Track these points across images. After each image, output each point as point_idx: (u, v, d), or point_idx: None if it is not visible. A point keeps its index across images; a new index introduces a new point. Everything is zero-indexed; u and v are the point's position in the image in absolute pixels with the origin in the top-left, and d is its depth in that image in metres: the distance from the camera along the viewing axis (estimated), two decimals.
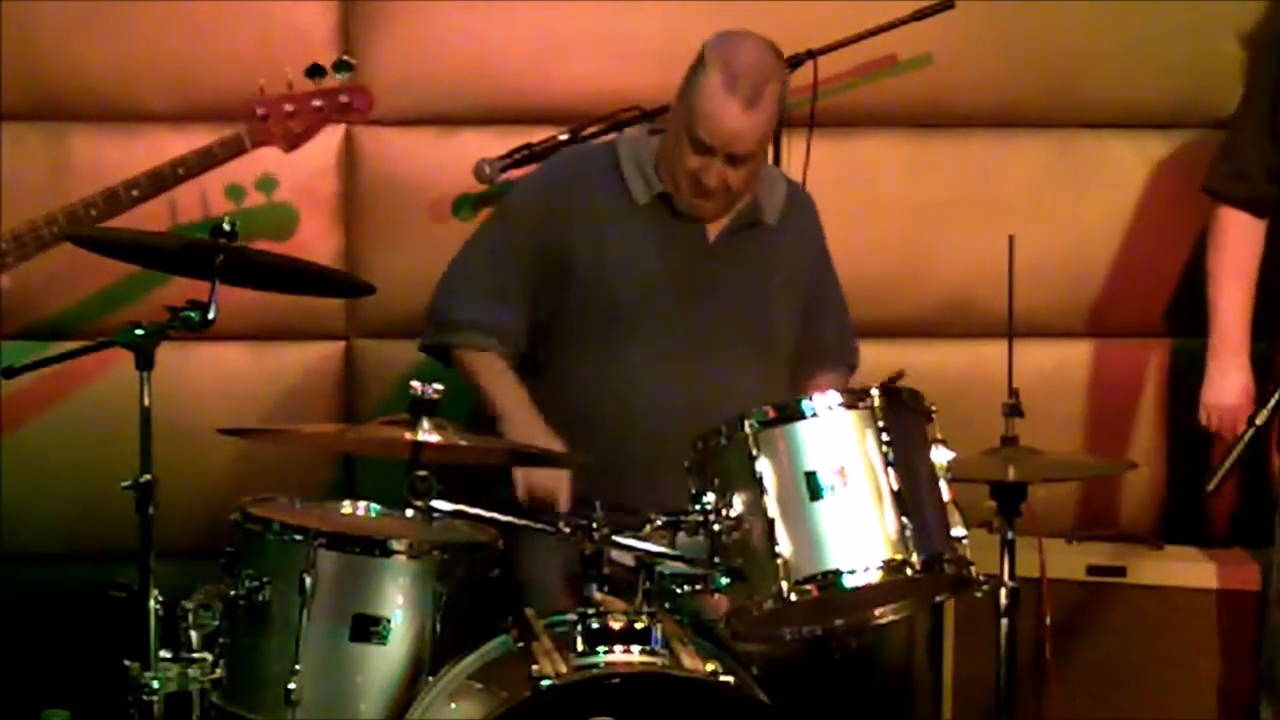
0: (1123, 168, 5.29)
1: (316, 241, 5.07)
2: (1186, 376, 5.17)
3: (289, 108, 4.70)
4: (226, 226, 4.01)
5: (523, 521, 3.99)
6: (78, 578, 4.91)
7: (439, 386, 3.96)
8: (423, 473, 3.84)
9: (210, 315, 3.99)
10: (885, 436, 3.86)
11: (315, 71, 4.68)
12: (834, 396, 3.89)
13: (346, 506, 4.43)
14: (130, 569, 4.01)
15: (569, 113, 5.06)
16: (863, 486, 3.84)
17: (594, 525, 3.85)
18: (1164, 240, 5.27)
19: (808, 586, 3.80)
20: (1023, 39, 5.21)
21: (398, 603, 4.09)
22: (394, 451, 4.06)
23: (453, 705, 3.93)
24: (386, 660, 4.07)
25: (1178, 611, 4.89)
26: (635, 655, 3.80)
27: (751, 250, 4.58)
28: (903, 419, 3.91)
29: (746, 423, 3.86)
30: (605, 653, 3.80)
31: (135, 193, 4.60)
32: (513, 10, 5.11)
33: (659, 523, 3.89)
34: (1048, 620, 4.79)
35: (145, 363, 4.02)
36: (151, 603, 4.00)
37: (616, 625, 3.82)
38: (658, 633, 3.83)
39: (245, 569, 4.12)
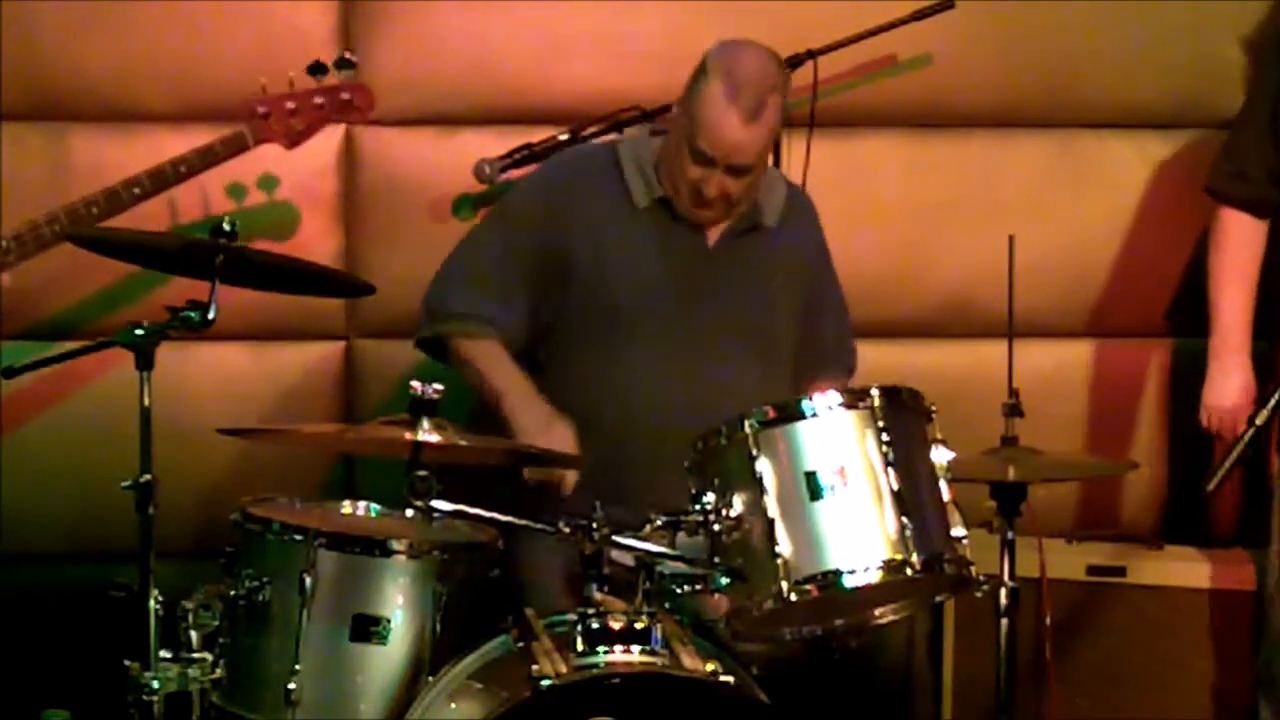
0: (1123, 168, 5.28)
1: (316, 241, 5.07)
2: (1187, 376, 5.17)
3: (290, 105, 4.70)
4: (226, 226, 4.01)
5: (523, 521, 3.99)
6: (78, 578, 4.91)
7: (439, 386, 3.96)
8: (423, 473, 3.84)
9: (210, 315, 3.99)
10: (885, 436, 3.86)
11: (317, 69, 4.68)
12: (834, 396, 3.89)
13: (346, 506, 4.43)
14: (130, 569, 4.02)
15: (569, 113, 5.06)
16: (863, 486, 3.84)
17: (594, 525, 3.85)
18: (1164, 240, 5.27)
19: (808, 586, 3.80)
20: (1023, 39, 5.21)
21: (398, 603, 4.09)
22: (394, 451, 4.06)
23: (453, 705, 3.93)
24: (386, 660, 4.07)
25: (1178, 611, 4.89)
26: (635, 655, 3.80)
27: (751, 253, 4.58)
28: (903, 419, 3.91)
29: (746, 423, 3.86)
30: (605, 653, 3.80)
31: (137, 191, 4.60)
32: (513, 10, 5.11)
33: (659, 523, 3.89)
34: (1048, 620, 4.80)
35: (145, 363, 4.02)
36: (151, 603, 4.00)
37: (616, 625, 3.82)
38: (658, 633, 3.83)
39: (245, 569, 4.12)
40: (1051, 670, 4.80)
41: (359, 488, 4.91)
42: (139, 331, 4.01)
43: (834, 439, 3.86)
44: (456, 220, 5.10)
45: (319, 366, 5.18)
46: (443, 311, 4.57)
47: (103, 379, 4.95)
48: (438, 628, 4.10)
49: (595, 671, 3.77)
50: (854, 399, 3.89)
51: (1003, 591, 4.34)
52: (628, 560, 3.92)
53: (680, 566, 3.87)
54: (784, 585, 3.79)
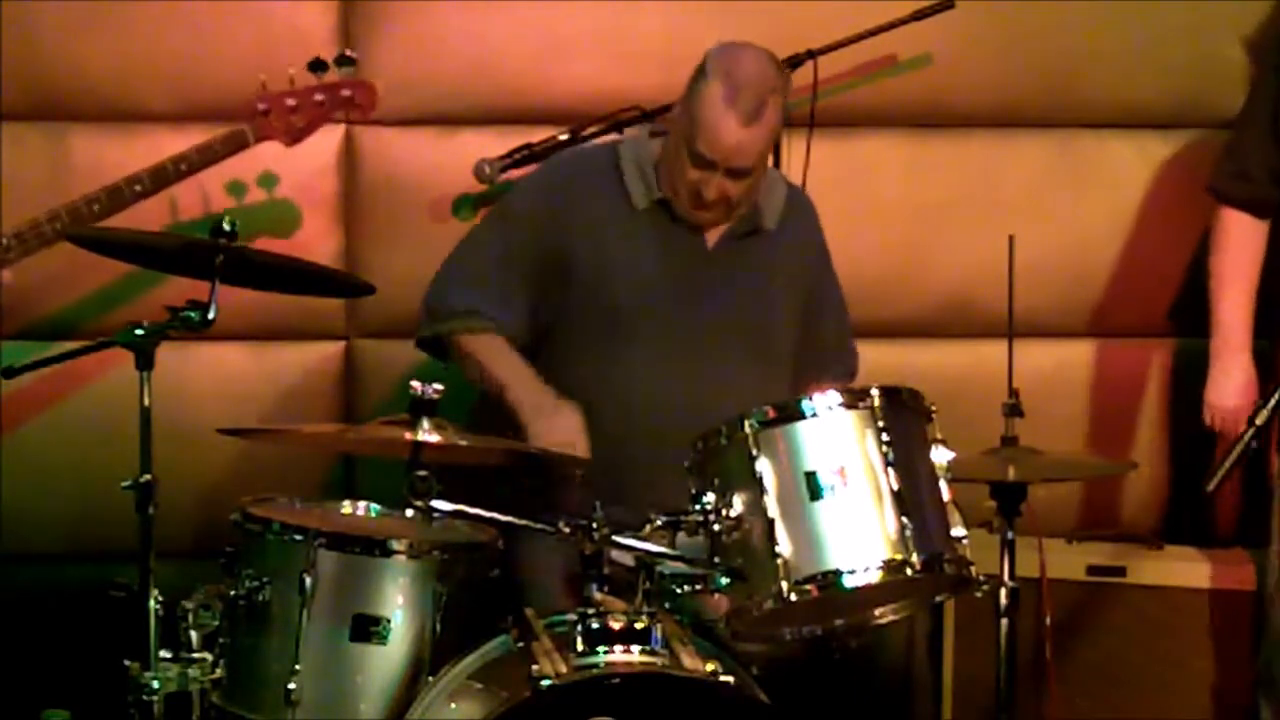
0: (1123, 168, 5.28)
1: (317, 241, 5.07)
2: (1188, 376, 5.17)
3: (291, 102, 4.69)
4: (226, 226, 4.01)
5: (523, 521, 3.99)
6: (78, 578, 4.91)
7: (439, 386, 3.96)
8: (423, 473, 3.84)
9: (210, 315, 3.99)
10: (885, 436, 3.86)
11: (317, 66, 4.68)
12: (834, 396, 3.89)
13: (346, 506, 4.43)
14: (130, 569, 4.02)
15: (569, 113, 5.06)
16: (863, 486, 3.84)
17: (594, 525, 3.85)
18: (1165, 240, 5.27)
19: (808, 586, 3.80)
20: (1023, 39, 5.21)
21: (398, 603, 4.09)
22: (394, 451, 4.06)
23: (453, 705, 3.93)
24: (386, 660, 4.07)
25: (1177, 611, 4.89)
26: (635, 655, 3.80)
27: (751, 256, 4.57)
28: (903, 419, 3.91)
29: (746, 423, 3.86)
30: (605, 653, 3.80)
31: (138, 188, 4.60)
32: (513, 10, 5.11)
33: (659, 523, 3.89)
34: (1048, 620, 4.80)
35: (145, 363, 4.02)
36: (151, 603, 4.00)
37: (616, 625, 3.82)
38: (658, 633, 3.83)
39: (245, 569, 4.12)
40: (1051, 670, 4.80)
41: (359, 488, 4.91)
42: (139, 331, 4.01)
43: (834, 439, 3.86)
44: (456, 220, 5.10)
45: (319, 366, 5.18)
46: (442, 310, 4.57)
47: (103, 379, 4.94)
48: (438, 628, 4.10)
49: (595, 671, 3.77)
50: (854, 399, 3.89)
51: (1003, 591, 4.34)
52: (628, 560, 3.92)
53: (680, 566, 3.88)
54: (784, 585, 3.79)
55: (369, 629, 4.07)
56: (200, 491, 4.97)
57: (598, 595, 3.87)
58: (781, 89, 4.46)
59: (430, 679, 4.01)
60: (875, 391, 3.89)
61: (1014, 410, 4.38)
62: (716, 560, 3.85)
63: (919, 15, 5.04)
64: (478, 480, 4.18)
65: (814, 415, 3.88)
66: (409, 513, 4.19)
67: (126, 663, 4.03)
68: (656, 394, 4.46)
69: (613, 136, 4.91)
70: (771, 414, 3.87)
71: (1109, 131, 5.29)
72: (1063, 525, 5.12)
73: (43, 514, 5.05)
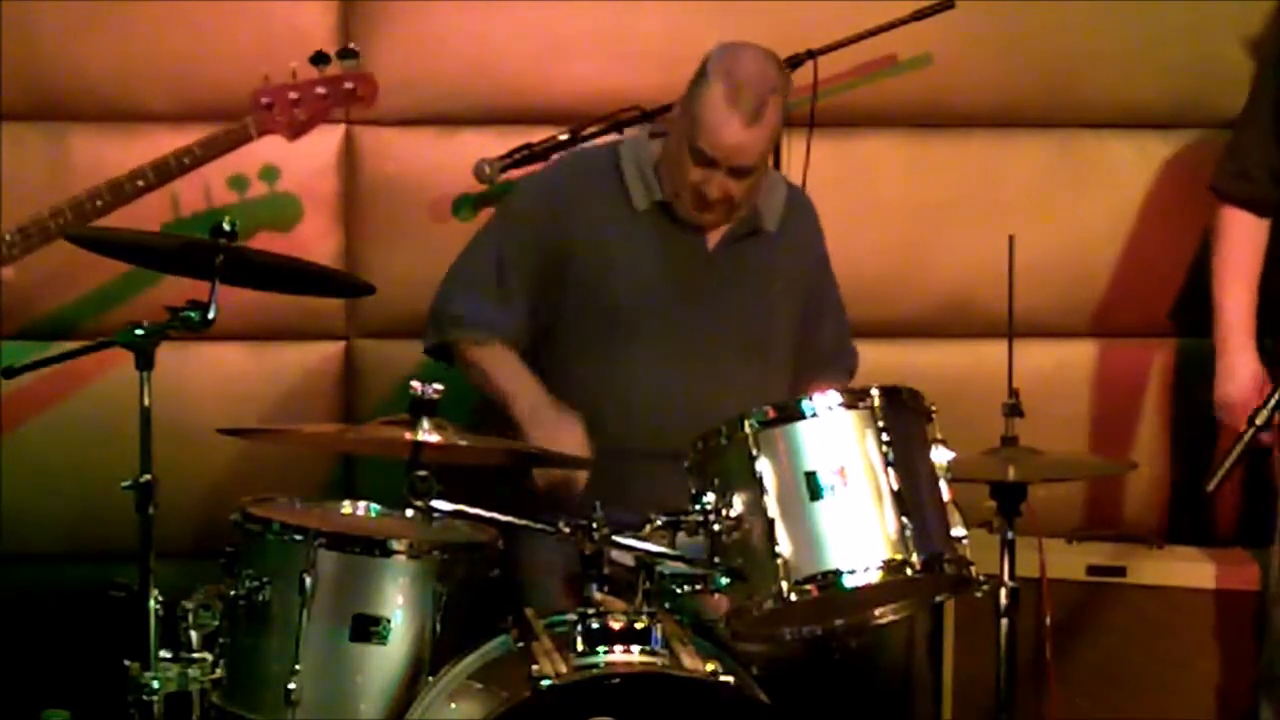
0: (1123, 168, 5.28)
1: (316, 241, 5.07)
2: (1190, 376, 5.18)
3: (293, 95, 4.69)
4: (226, 226, 4.01)
5: (523, 521, 3.99)
6: (78, 578, 4.91)
7: (439, 386, 3.96)
8: (423, 473, 3.84)
9: (210, 315, 3.99)
10: (885, 436, 3.86)
11: (320, 59, 4.68)
12: (834, 396, 3.90)
13: (346, 506, 4.43)
14: (130, 569, 4.02)
15: (569, 113, 5.06)
16: (863, 486, 3.84)
17: (594, 525, 3.85)
18: (1165, 240, 5.27)
19: (808, 586, 3.80)
20: (1023, 39, 5.20)
21: (398, 603, 4.09)
22: (394, 451, 4.06)
23: (453, 705, 3.93)
24: (386, 660, 4.07)
25: (1178, 611, 4.89)
26: (635, 655, 3.80)
27: (751, 257, 4.58)
28: (903, 419, 3.91)
29: (746, 423, 3.86)
30: (605, 653, 3.80)
31: (140, 183, 4.59)
32: (513, 10, 5.11)
33: (659, 523, 3.89)
34: (1048, 620, 4.79)
35: (145, 363, 4.02)
36: (151, 603, 4.00)
37: (616, 625, 3.82)
38: (658, 633, 3.83)
39: (245, 569, 4.12)
40: (1051, 670, 4.80)
41: (359, 488, 4.90)
42: (139, 331, 4.01)
43: (834, 439, 3.86)
44: (456, 220, 5.10)
45: (319, 366, 5.17)
46: (447, 317, 4.57)
47: (103, 379, 4.94)
48: (438, 628, 4.10)
49: (595, 671, 3.77)
50: (854, 399, 3.89)
51: (1003, 591, 4.34)
52: (628, 560, 3.92)
53: (680, 566, 3.88)
54: (784, 585, 3.79)
55: (369, 629, 4.07)
56: (200, 491, 4.97)
57: (598, 595, 3.87)
58: (782, 89, 4.46)
59: (430, 679, 4.01)
60: (875, 391, 3.89)
61: (1014, 410, 4.38)
62: (716, 560, 3.85)
63: (919, 15, 5.04)
64: (478, 480, 4.18)
65: (814, 415, 3.88)
66: (409, 513, 4.19)
67: (126, 663, 4.03)
68: (656, 394, 4.46)
69: (613, 137, 4.91)
70: (771, 414, 3.87)
71: (1109, 131, 5.29)
72: (1066, 526, 5.12)
73: (43, 514, 5.05)
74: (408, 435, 3.93)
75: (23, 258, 4.58)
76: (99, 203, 4.56)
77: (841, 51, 5.03)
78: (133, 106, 5.04)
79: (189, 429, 4.83)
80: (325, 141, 5.00)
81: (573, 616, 3.86)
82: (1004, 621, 4.37)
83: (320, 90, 4.72)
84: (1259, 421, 4.04)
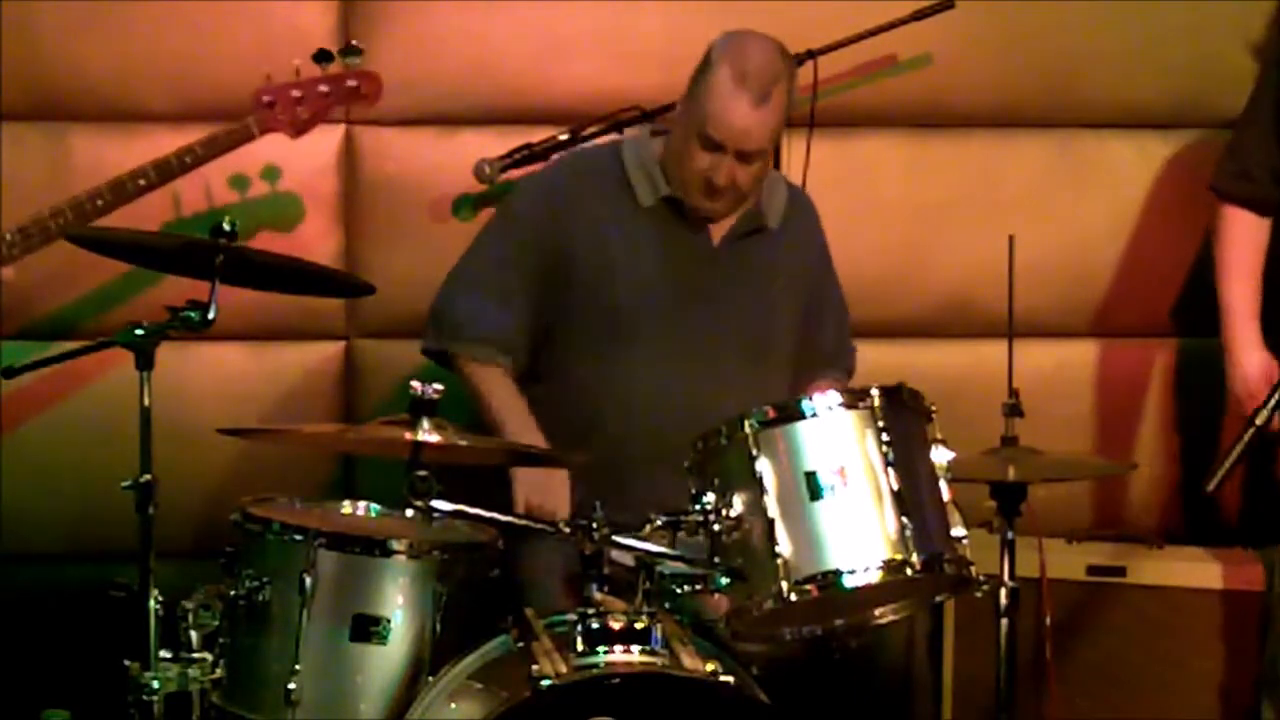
0: (1123, 168, 5.29)
1: (317, 241, 5.07)
2: (1192, 376, 5.18)
3: (296, 94, 4.69)
4: (226, 226, 4.01)
5: (523, 521, 3.99)
6: (78, 578, 4.91)
7: (439, 386, 3.95)
8: (423, 473, 3.84)
9: (210, 315, 3.99)
10: (885, 436, 3.86)
11: (322, 57, 4.67)
12: (834, 396, 3.89)
13: (346, 506, 4.43)
14: (130, 569, 4.01)
15: (569, 113, 5.06)
16: (863, 486, 3.84)
17: (594, 525, 3.85)
18: (1165, 240, 5.27)
19: (808, 586, 3.80)
20: (1023, 39, 5.21)
21: (398, 603, 4.09)
22: (394, 451, 4.05)
23: (453, 705, 3.93)
24: (386, 660, 4.07)
25: (1178, 611, 4.89)
26: (635, 655, 3.80)
27: (754, 255, 4.57)
28: (903, 419, 3.91)
29: (746, 422, 3.86)
30: (605, 653, 3.80)
31: (142, 182, 4.59)
32: (513, 10, 5.11)
33: (659, 523, 3.89)
34: (1048, 620, 4.79)
35: (145, 363, 4.02)
36: (151, 603, 4.00)
37: (616, 625, 3.82)
38: (658, 633, 3.83)
39: (245, 569, 4.12)
40: (1051, 670, 4.80)
41: (359, 488, 4.91)
42: (139, 331, 4.01)
43: (834, 439, 3.86)
44: (456, 220, 5.10)
45: (319, 366, 5.17)
46: (450, 325, 4.56)
47: (103, 379, 4.94)
48: (438, 628, 4.10)
49: (595, 671, 3.77)
50: (854, 399, 3.89)
51: (1003, 591, 4.34)
52: (628, 560, 3.92)
53: (680, 566, 3.87)
54: (784, 585, 3.79)
55: (369, 629, 4.07)
56: (200, 491, 4.97)
57: (598, 595, 3.87)
58: (788, 76, 4.46)
59: (430, 679, 4.01)
60: (875, 391, 3.89)
61: (1014, 410, 4.38)
62: (716, 560, 3.85)
63: (919, 15, 5.04)
64: (478, 480, 4.18)
65: (814, 415, 3.87)
66: (409, 513, 4.19)
67: (126, 663, 4.03)
68: (657, 394, 4.46)
69: (613, 136, 4.91)
70: (771, 414, 3.87)
71: (1109, 131, 5.29)
72: (1072, 526, 5.11)
73: (43, 514, 5.05)
74: (408, 435, 3.93)
75: (23, 258, 4.57)
76: (99, 202, 4.56)
77: (841, 51, 5.03)
78: (133, 106, 5.04)
79: (189, 429, 4.83)
80: (325, 141, 5.00)
81: (573, 616, 3.86)
82: (1004, 621, 4.37)
83: (323, 88, 4.71)
84: (1259, 421, 4.03)
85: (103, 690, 4.21)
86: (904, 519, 3.83)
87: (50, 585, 5.04)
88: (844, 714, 4.40)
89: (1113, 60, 5.24)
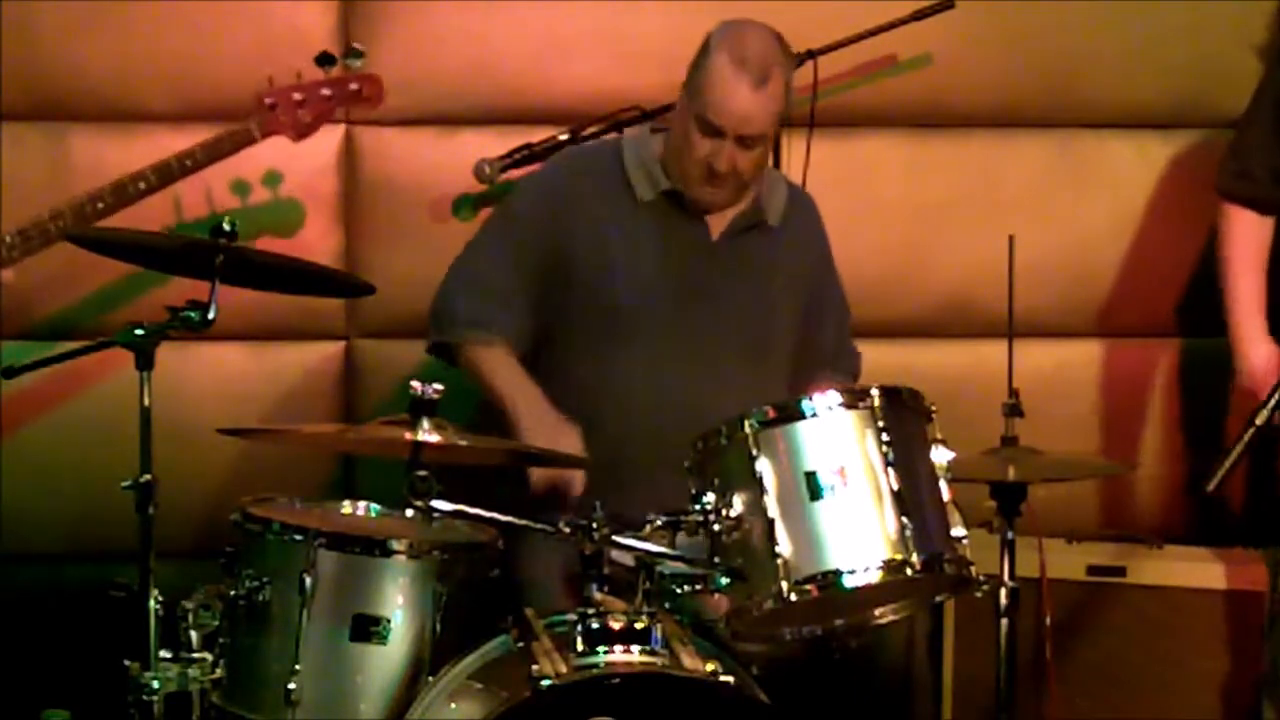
0: (1123, 168, 5.29)
1: (317, 241, 5.07)
2: (1195, 376, 5.18)
3: (298, 97, 4.69)
4: (226, 226, 4.01)
5: (523, 521, 3.99)
6: (78, 578, 4.91)
7: (439, 386, 3.95)
8: (423, 473, 3.83)
9: (210, 315, 3.99)
10: (885, 436, 3.86)
11: (325, 60, 4.67)
12: (834, 396, 3.89)
13: (346, 506, 4.43)
14: (130, 569, 4.01)
15: (569, 113, 5.06)
16: (863, 486, 3.84)
17: (594, 525, 3.85)
18: (1166, 240, 5.27)
19: (808, 586, 3.80)
20: (1023, 39, 5.21)
21: (398, 603, 4.09)
22: (394, 451, 4.06)
23: (453, 705, 3.93)
24: (386, 660, 4.07)
25: (1178, 611, 4.89)
26: (635, 655, 3.80)
27: (754, 251, 4.57)
28: (903, 419, 3.91)
29: (746, 422, 3.86)
30: (605, 653, 3.80)
31: (142, 185, 4.59)
32: (513, 10, 5.11)
33: (659, 523, 3.89)
34: (1048, 620, 4.79)
35: (145, 363, 4.02)
36: (151, 603, 3.99)
37: (616, 625, 3.81)
38: (658, 633, 3.82)
39: (245, 569, 4.12)
40: (1051, 670, 4.80)
41: (359, 488, 4.91)
42: (139, 331, 4.01)
43: (834, 439, 3.86)
44: (456, 220, 5.10)
45: (319, 366, 5.18)
46: (450, 319, 4.57)
47: (103, 379, 4.94)
48: (438, 628, 4.10)
49: (595, 671, 3.77)
50: (854, 399, 3.89)
51: (1003, 591, 4.34)
52: (628, 560, 3.92)
53: (680, 566, 3.87)
54: (784, 585, 3.79)
55: (369, 629, 4.07)
56: (200, 491, 4.97)
57: (598, 595, 3.87)
58: (786, 62, 4.46)
59: (430, 679, 4.01)
60: (875, 391, 3.89)
61: (1014, 410, 4.38)
62: (716, 560, 3.85)
63: (919, 15, 5.04)
64: (478, 480, 4.18)
65: (814, 415, 3.87)
66: (409, 513, 4.19)
67: (126, 663, 4.03)
68: (656, 394, 4.46)
69: (613, 136, 4.91)
70: (771, 414, 3.87)
71: (1109, 131, 5.29)
72: (1077, 527, 5.11)
73: (43, 514, 5.05)
74: (408, 435, 3.93)
75: (22, 260, 4.57)
76: (99, 205, 4.56)
77: (841, 51, 5.03)
78: (133, 106, 5.04)
79: (189, 429, 4.83)
80: (325, 142, 5.00)
81: (573, 616, 3.86)
82: (1004, 621, 4.37)
83: (325, 91, 4.72)
84: (1259, 421, 4.03)
85: (103, 690, 4.21)
86: (904, 519, 3.83)
87: (50, 585, 5.04)
88: (844, 714, 4.40)
89: (1113, 60, 5.24)
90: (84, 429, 5.02)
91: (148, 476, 4.01)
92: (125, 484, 4.00)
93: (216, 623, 4.10)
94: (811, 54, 4.97)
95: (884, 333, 5.11)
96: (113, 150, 4.94)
